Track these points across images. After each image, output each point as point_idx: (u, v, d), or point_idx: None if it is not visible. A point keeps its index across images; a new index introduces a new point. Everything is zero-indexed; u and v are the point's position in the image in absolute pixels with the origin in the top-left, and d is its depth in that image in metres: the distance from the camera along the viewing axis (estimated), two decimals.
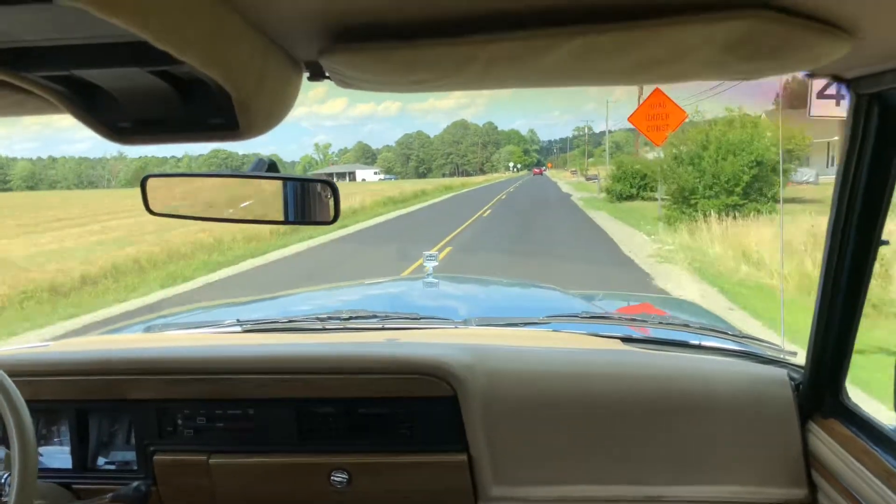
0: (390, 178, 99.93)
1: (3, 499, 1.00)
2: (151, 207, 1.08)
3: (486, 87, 0.69)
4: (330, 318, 1.57)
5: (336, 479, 1.25)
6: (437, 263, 2.17)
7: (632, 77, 0.66)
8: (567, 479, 1.23)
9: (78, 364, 1.30)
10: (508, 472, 1.24)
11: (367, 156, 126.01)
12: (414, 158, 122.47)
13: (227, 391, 1.26)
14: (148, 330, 1.77)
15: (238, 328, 1.55)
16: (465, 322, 1.56)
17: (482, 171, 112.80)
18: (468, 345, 1.30)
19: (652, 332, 1.55)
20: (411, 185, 41.82)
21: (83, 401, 1.30)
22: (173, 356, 1.29)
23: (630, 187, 20.22)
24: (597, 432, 1.22)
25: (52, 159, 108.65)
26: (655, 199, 14.25)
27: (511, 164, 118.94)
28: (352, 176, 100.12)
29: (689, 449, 1.20)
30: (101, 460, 1.34)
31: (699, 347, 1.42)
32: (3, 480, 1.04)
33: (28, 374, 1.25)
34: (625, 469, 1.22)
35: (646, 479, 1.21)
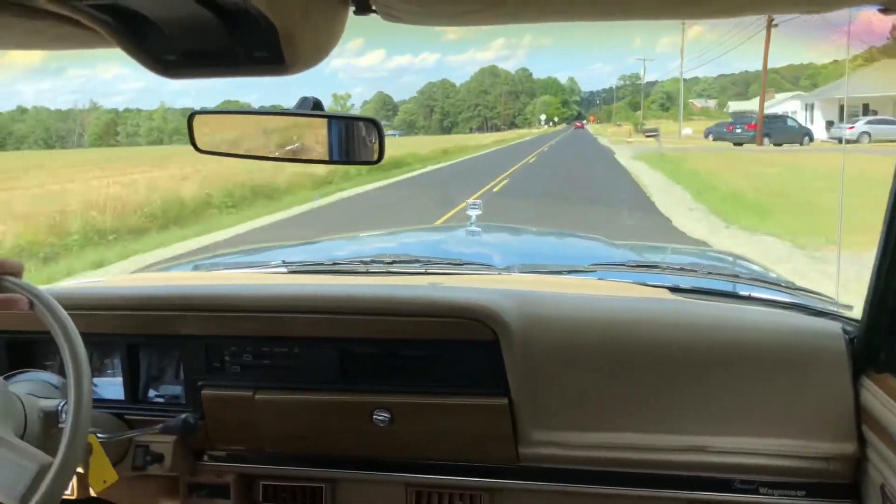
0: (394, 135, 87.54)
1: (61, 425, 1.15)
2: (198, 145, 1.17)
3: (533, 18, 0.72)
4: (373, 261, 1.70)
5: (378, 417, 1.39)
6: (480, 212, 2.27)
7: (689, 8, 0.70)
8: (608, 425, 1.33)
9: (129, 299, 1.45)
10: (549, 417, 1.36)
11: (387, 108, 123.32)
12: (438, 111, 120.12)
13: (273, 329, 1.40)
14: (196, 269, 1.93)
15: (284, 269, 1.70)
16: (508, 269, 1.67)
17: (514, 125, 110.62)
18: (511, 290, 1.41)
19: (701, 283, 1.62)
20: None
21: (134, 335, 1.46)
22: (222, 294, 1.43)
23: None
24: (640, 380, 1.31)
25: (22, 110, 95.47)
26: None
27: (543, 118, 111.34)
28: None
29: (736, 400, 1.29)
30: (151, 393, 1.50)
31: (749, 298, 1.50)
32: (60, 408, 1.19)
33: (82, 308, 1.38)
34: (667, 418, 1.31)
35: (689, 428, 1.31)
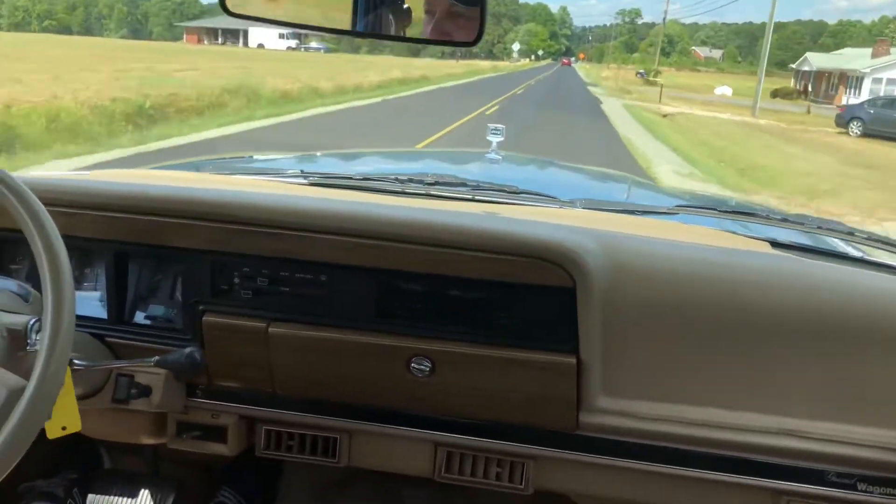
0: (319, 49, 70.25)
1: (31, 347, 1.00)
2: (229, 7, 1.08)
3: None
4: (410, 180, 1.54)
5: (417, 366, 1.26)
6: (502, 138, 2.12)
7: None
8: (688, 398, 1.23)
9: (123, 198, 1.26)
10: (620, 383, 1.26)
11: None
12: None
13: (297, 250, 1.24)
14: (197, 171, 1.74)
15: (303, 180, 1.53)
16: (571, 203, 1.54)
17: (492, 55, 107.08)
18: (590, 229, 1.29)
19: (808, 239, 1.51)
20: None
21: (124, 242, 1.28)
22: (236, 201, 1.25)
23: None
24: (734, 349, 1.20)
25: None
26: None
27: (516, 49, 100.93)
28: (239, 38, 76.88)
29: (845, 381, 1.19)
30: (139, 314, 1.33)
31: (868, 262, 1.39)
32: (30, 325, 1.04)
33: (62, 204, 1.20)
34: (760, 395, 1.21)
35: (784, 408, 1.21)
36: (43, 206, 0.93)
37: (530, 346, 1.24)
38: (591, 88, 39.86)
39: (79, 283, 1.33)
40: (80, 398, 1.20)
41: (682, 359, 1.23)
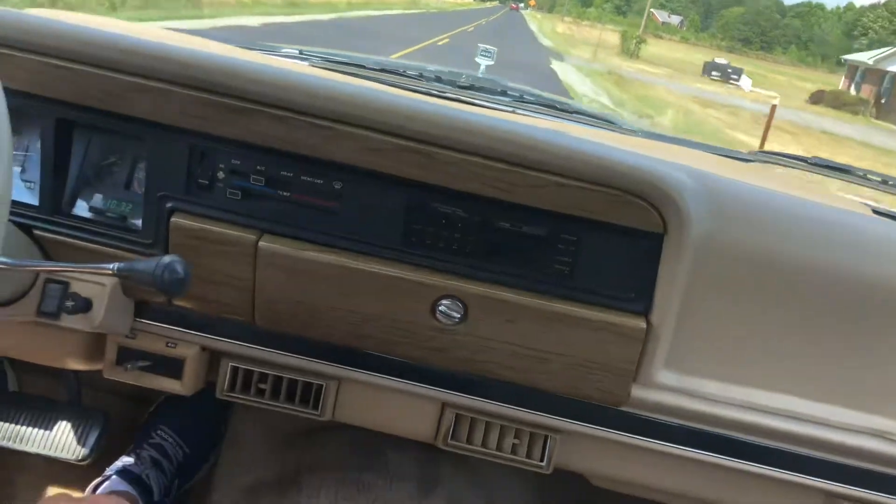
0: None
1: None
2: None
3: None
4: (439, 78, 1.25)
5: (443, 310, 1.01)
6: (492, 62, 1.86)
7: None
8: (763, 381, 1.04)
9: (78, 43, 0.93)
10: (687, 356, 1.05)
11: None
12: None
13: (309, 143, 0.94)
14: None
15: (304, 62, 1.21)
16: (633, 131, 1.28)
17: None
18: (682, 165, 1.05)
19: None
20: None
21: (72, 105, 0.95)
22: (228, 67, 0.94)
23: None
24: (828, 327, 1.02)
25: None
26: None
27: None
28: None
29: None
30: (80, 205, 1.03)
31: None
32: None
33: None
34: (852, 388, 1.04)
35: (878, 405, 1.05)
36: None
37: (591, 302, 1.01)
38: (554, 63, 23.97)
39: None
40: None
41: (766, 332, 1.03)
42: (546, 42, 34.41)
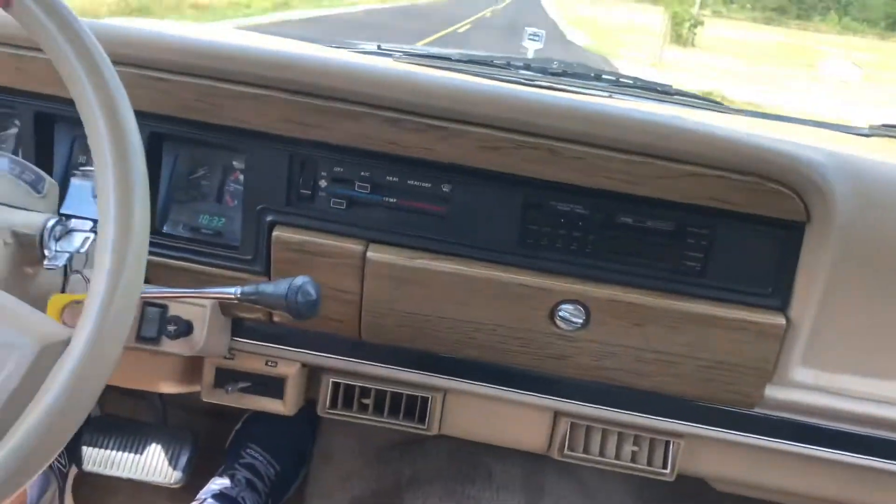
0: None
1: (53, 262, 0.70)
2: None
3: None
4: (528, 66, 1.18)
5: (564, 315, 0.94)
6: (541, 46, 1.77)
7: None
8: None
9: (176, 52, 0.87)
10: (824, 351, 0.97)
11: None
12: None
13: (416, 145, 0.87)
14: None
15: (386, 58, 1.15)
16: (739, 111, 1.20)
17: None
18: (817, 147, 0.97)
19: None
20: None
21: (165, 117, 0.90)
22: (331, 68, 0.88)
23: None
24: None
25: None
26: None
27: None
28: None
29: None
30: (172, 222, 0.99)
31: None
32: (48, 229, 0.71)
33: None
34: None
35: None
36: (86, 28, 0.56)
37: (725, 299, 0.94)
38: None
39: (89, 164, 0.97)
40: None
41: None
42: (577, 37, 23.32)
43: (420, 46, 1.29)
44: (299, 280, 0.77)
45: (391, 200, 0.94)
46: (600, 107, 0.89)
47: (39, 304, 0.75)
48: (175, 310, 0.95)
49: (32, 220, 0.70)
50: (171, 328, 0.94)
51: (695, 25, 25.84)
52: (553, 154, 0.87)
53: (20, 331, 0.52)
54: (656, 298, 0.93)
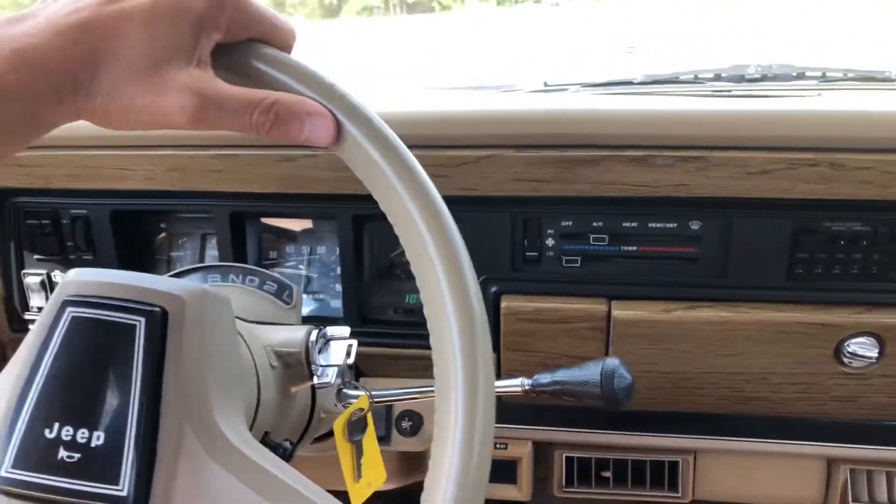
0: None
1: (323, 378, 0.66)
2: None
3: None
4: (718, 76, 1.08)
5: (852, 350, 0.82)
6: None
7: None
8: None
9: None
10: None
11: None
12: None
13: (666, 183, 0.77)
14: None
15: (561, 93, 1.07)
16: None
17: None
18: None
19: None
20: None
21: (363, 197, 0.84)
22: (571, 116, 0.79)
23: None
24: None
25: None
26: None
27: None
28: None
29: None
30: (377, 306, 0.93)
31: None
32: (311, 343, 0.66)
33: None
34: None
35: None
36: (413, 158, 0.48)
37: None
38: None
39: (282, 260, 0.92)
40: (317, 438, 0.81)
41: None
42: None
43: (590, 76, 1.19)
44: (610, 363, 0.68)
45: (631, 249, 0.83)
46: (871, 109, 0.78)
47: (299, 419, 0.68)
48: (402, 402, 0.87)
49: (293, 336, 0.63)
50: (405, 424, 0.86)
51: None
52: (836, 169, 0.75)
53: None
54: None
